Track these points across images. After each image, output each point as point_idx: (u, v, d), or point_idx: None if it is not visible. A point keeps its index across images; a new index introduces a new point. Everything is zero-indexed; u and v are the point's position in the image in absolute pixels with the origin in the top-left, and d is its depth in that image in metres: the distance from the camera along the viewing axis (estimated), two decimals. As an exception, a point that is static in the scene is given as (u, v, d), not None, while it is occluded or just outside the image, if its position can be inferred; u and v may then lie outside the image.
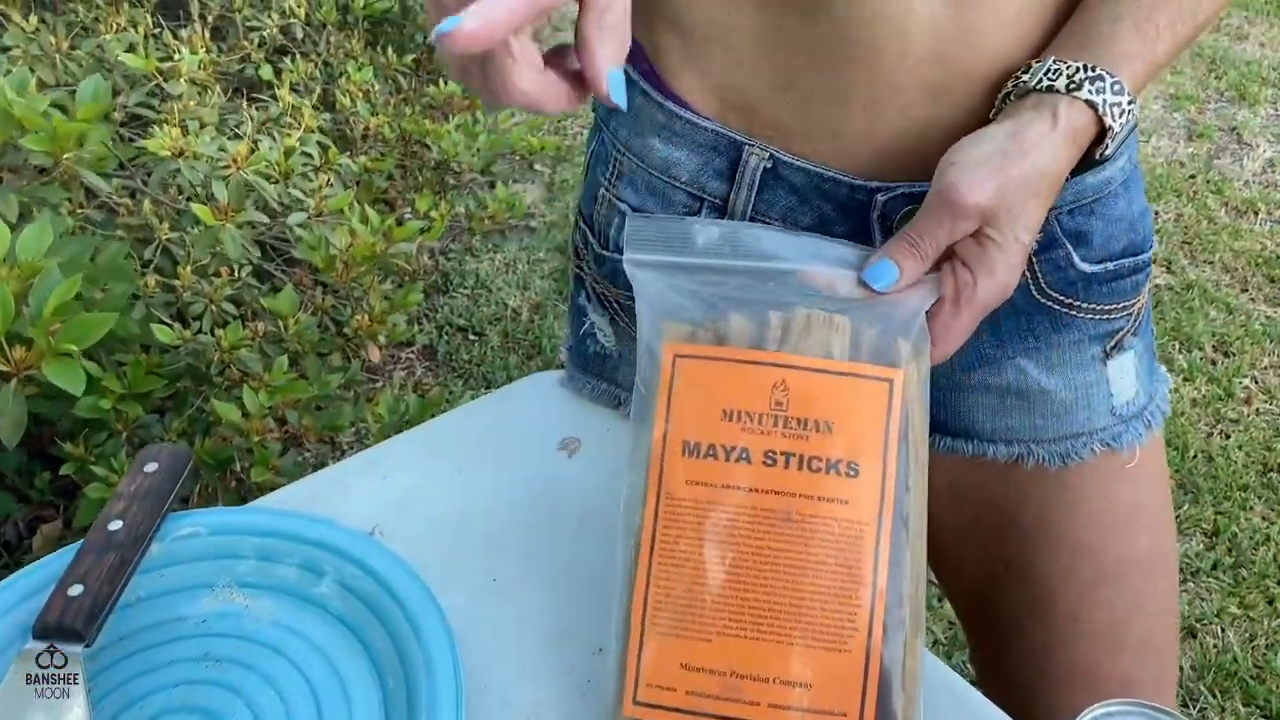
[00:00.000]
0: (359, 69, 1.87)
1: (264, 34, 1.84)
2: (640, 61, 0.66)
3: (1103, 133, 0.55)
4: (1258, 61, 3.35)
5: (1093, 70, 0.54)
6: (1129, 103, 0.55)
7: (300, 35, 1.92)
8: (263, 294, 1.38)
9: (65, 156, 1.06)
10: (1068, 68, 0.54)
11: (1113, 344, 0.68)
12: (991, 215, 0.53)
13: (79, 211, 1.26)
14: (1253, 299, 2.30)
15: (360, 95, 1.86)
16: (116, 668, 0.55)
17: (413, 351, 2.11)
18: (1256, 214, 2.59)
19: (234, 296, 1.36)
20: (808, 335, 0.51)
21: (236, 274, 1.37)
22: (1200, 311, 2.23)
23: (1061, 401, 0.68)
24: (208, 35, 1.70)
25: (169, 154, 1.21)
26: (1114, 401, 0.69)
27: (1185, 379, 2.05)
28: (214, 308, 1.29)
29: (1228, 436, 1.93)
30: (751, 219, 0.65)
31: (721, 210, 0.65)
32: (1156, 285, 2.33)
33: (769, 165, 0.63)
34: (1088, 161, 0.57)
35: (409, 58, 2.12)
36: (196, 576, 0.60)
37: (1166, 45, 0.56)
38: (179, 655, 0.56)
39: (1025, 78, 0.56)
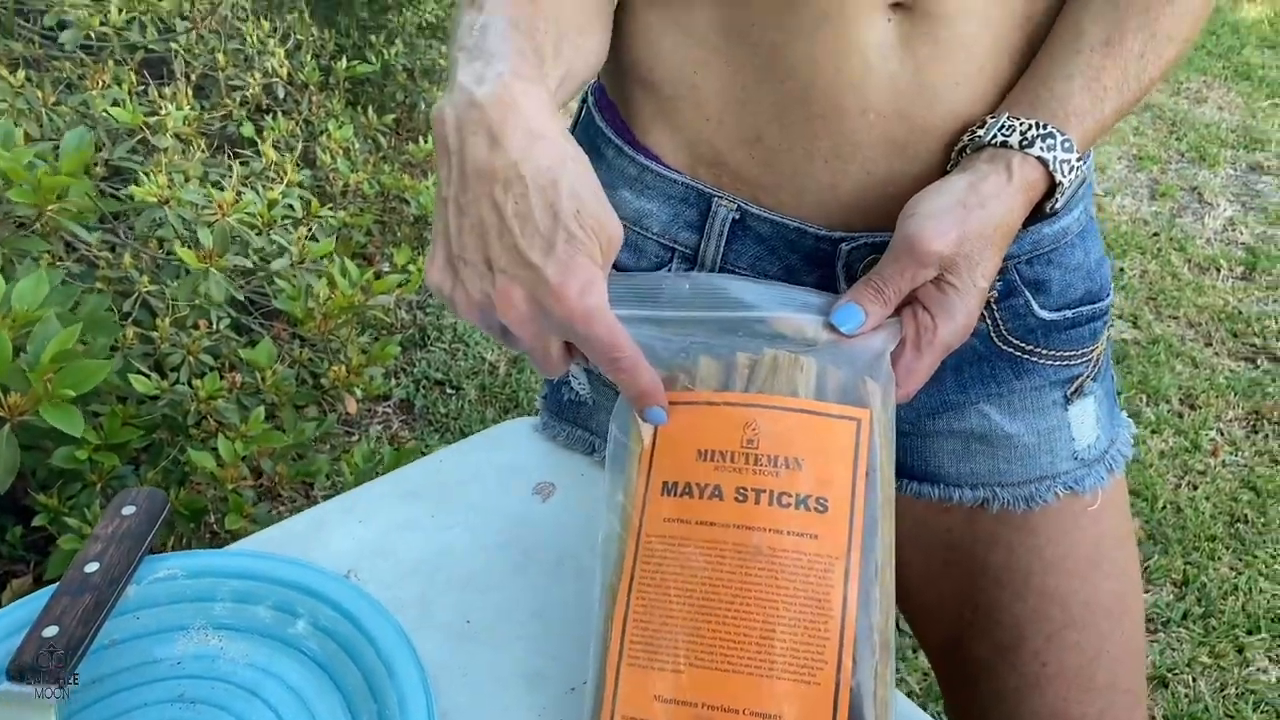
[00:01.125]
0: (339, 127, 1.89)
1: (247, 93, 1.87)
2: (613, 117, 0.68)
3: (1053, 187, 0.58)
4: (1216, 124, 3.46)
5: (1044, 128, 0.57)
6: (1078, 160, 0.57)
7: (282, 94, 1.95)
8: (240, 346, 1.39)
9: (49, 209, 1.07)
10: (1021, 124, 0.57)
11: (1073, 389, 0.70)
12: (951, 263, 0.55)
13: (58, 264, 1.27)
14: (1216, 353, 2.35)
15: (340, 153, 1.88)
16: (90, 710, 0.55)
17: (389, 405, 2.11)
18: (1219, 270, 2.66)
19: (212, 348, 1.36)
20: (774, 375, 0.53)
21: (215, 326, 1.38)
22: (1166, 365, 2.28)
23: (1024, 446, 0.70)
24: (191, 93, 1.72)
25: (155, 201, 1.23)
26: (1076, 446, 0.71)
27: (1153, 431, 2.08)
28: (192, 359, 1.30)
29: (1195, 488, 1.95)
30: (721, 268, 0.67)
31: (692, 260, 0.67)
32: (1123, 340, 2.37)
33: (737, 216, 0.65)
34: (1038, 214, 0.60)
35: (389, 117, 2.16)
36: (172, 619, 0.60)
37: (1114, 106, 0.59)
38: (153, 697, 0.56)
39: (980, 133, 0.59)
